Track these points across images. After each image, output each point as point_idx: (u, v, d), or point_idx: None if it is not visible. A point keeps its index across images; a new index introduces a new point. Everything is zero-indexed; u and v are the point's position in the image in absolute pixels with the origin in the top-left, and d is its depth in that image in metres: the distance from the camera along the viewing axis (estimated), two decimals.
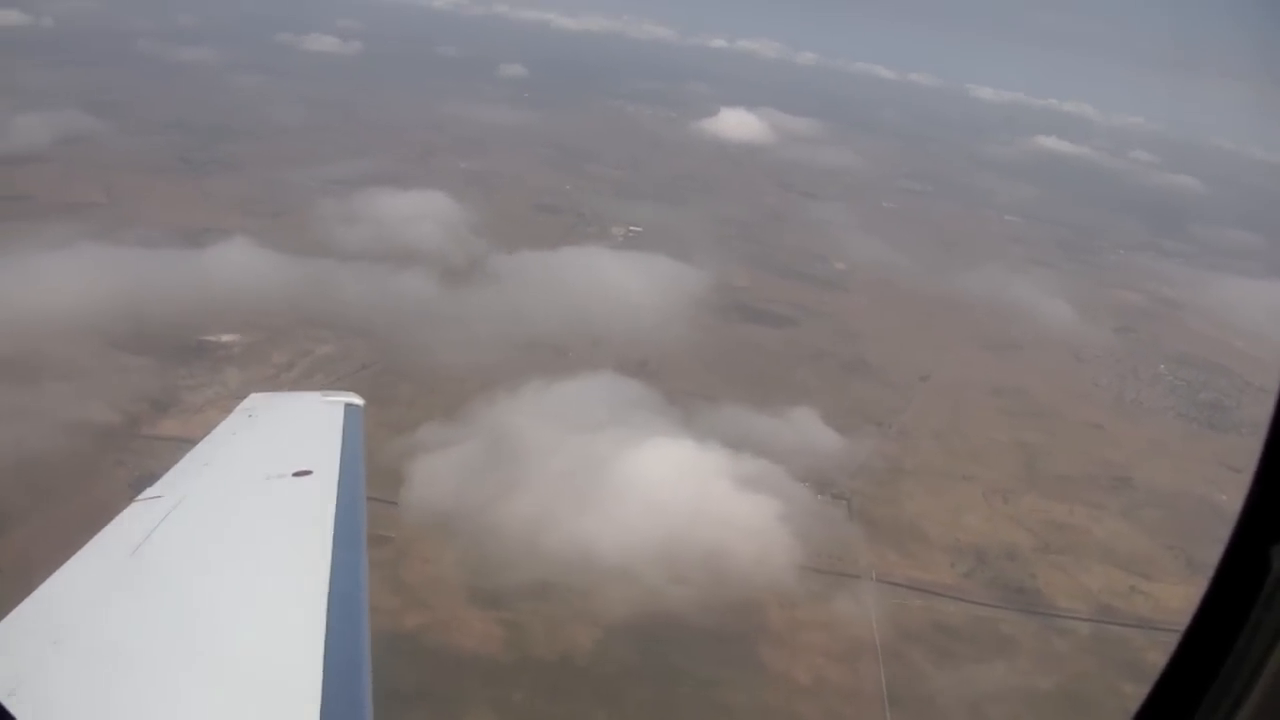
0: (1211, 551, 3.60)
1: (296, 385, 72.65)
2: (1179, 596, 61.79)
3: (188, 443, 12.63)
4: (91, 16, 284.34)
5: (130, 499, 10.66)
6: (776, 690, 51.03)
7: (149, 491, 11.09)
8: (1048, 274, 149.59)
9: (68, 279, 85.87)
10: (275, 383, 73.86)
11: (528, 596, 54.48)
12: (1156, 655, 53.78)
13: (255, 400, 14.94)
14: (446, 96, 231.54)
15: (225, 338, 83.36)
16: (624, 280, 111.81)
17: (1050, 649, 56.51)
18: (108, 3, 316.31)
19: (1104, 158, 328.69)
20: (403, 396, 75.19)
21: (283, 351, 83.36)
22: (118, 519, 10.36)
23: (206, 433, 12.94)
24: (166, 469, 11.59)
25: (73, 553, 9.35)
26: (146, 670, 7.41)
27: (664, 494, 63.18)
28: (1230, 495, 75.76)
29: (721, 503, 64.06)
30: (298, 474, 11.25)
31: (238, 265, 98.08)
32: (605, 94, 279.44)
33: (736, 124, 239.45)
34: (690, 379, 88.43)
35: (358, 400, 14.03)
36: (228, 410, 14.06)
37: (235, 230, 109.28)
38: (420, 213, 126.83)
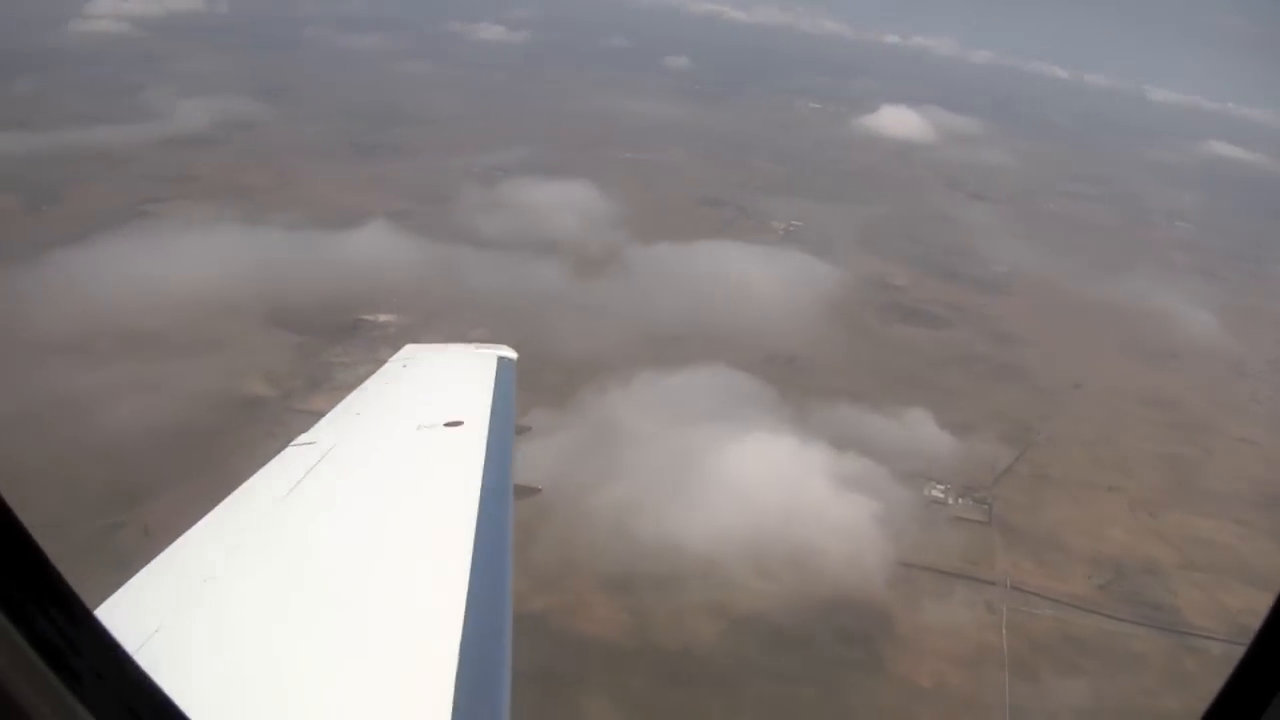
0: None
1: None
2: None
3: None
4: (265, 3, 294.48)
5: None
6: (896, 693, 51.73)
7: (302, 438, 11.50)
8: (1214, 284, 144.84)
9: (231, 258, 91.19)
10: None
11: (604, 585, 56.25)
12: None
13: (409, 351, 15.49)
14: (612, 87, 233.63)
15: (382, 318, 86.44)
16: (772, 275, 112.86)
17: (1180, 667, 55.83)
18: None
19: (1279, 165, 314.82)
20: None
21: (435, 334, 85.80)
22: (270, 464, 10.78)
23: None
24: None
25: None
26: (286, 614, 7.60)
27: (805, 492, 65.03)
28: None
29: (849, 505, 65.23)
30: (449, 424, 11.44)
31: (397, 248, 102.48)
32: (771, 88, 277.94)
33: (897, 121, 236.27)
34: (838, 377, 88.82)
35: (511, 353, 14.36)
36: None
37: (397, 214, 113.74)
38: (580, 203, 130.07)
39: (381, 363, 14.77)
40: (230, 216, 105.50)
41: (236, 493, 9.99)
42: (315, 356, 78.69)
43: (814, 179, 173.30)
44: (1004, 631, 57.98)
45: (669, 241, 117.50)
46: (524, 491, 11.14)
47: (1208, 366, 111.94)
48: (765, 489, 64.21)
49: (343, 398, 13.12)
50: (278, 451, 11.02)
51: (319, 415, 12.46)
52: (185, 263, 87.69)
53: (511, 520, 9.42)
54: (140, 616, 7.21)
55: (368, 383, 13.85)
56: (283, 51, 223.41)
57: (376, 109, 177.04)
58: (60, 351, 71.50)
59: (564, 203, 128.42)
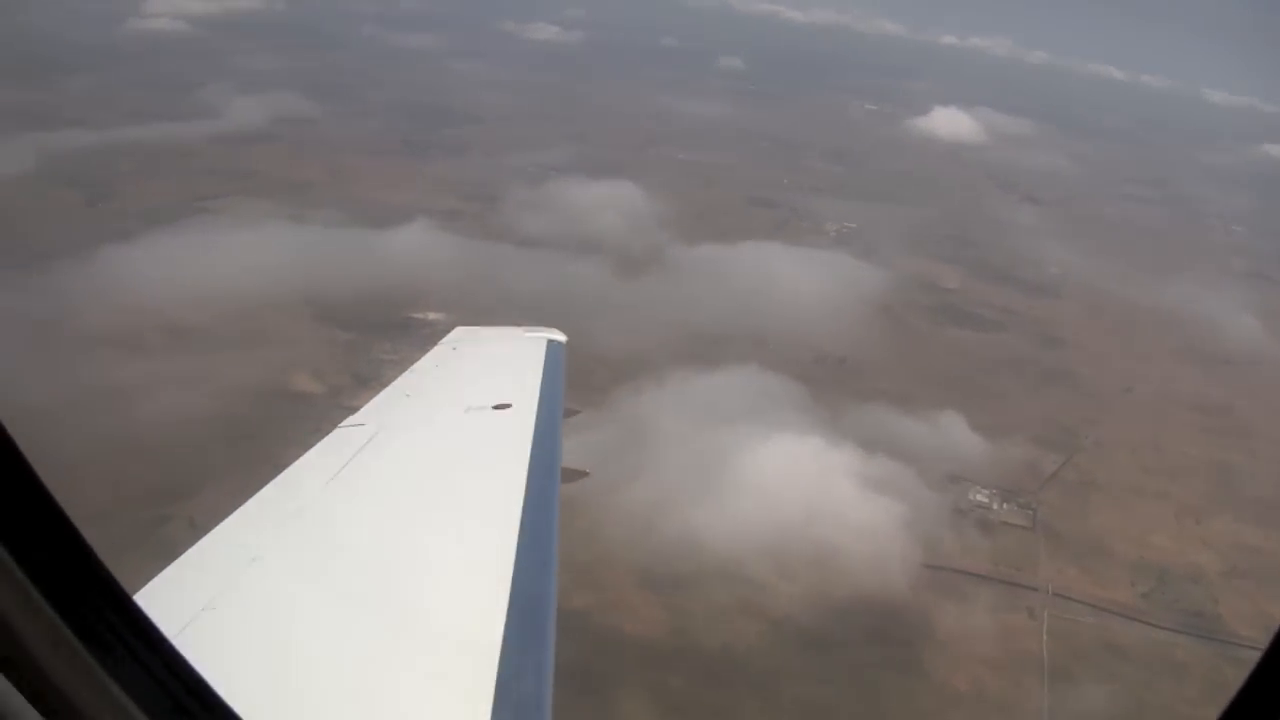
0: None
1: None
2: None
3: None
4: (323, 2, 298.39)
5: None
6: (933, 696, 52.29)
7: (351, 419, 11.56)
8: (1269, 288, 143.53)
9: (282, 254, 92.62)
10: None
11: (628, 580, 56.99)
12: None
13: (459, 333, 15.51)
14: (665, 87, 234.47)
15: (431, 315, 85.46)
16: (823, 277, 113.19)
17: (1221, 677, 55.51)
18: None
19: None
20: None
21: None
22: (320, 445, 10.85)
23: None
24: None
25: None
26: (331, 595, 7.65)
27: (848, 495, 65.79)
28: None
29: (889, 509, 65.76)
30: (497, 406, 11.52)
31: (447, 246, 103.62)
32: (825, 89, 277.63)
33: (949, 122, 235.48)
34: (887, 379, 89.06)
35: (560, 336, 14.37)
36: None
37: (448, 212, 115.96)
38: (630, 202, 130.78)
39: None
40: (283, 213, 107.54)
41: (286, 473, 10.17)
42: (364, 353, 79.28)
43: (867, 180, 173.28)
44: (1044, 637, 58.27)
45: (720, 243, 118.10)
46: (572, 475, 10.86)
47: (1261, 372, 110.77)
48: (814, 492, 64.97)
49: None
50: None
51: None
52: (237, 259, 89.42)
53: (558, 503, 9.50)
54: (188, 594, 7.42)
55: (418, 364, 14.01)
56: (339, 49, 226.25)
57: (430, 107, 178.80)
58: (110, 345, 72.99)
59: (614, 202, 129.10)
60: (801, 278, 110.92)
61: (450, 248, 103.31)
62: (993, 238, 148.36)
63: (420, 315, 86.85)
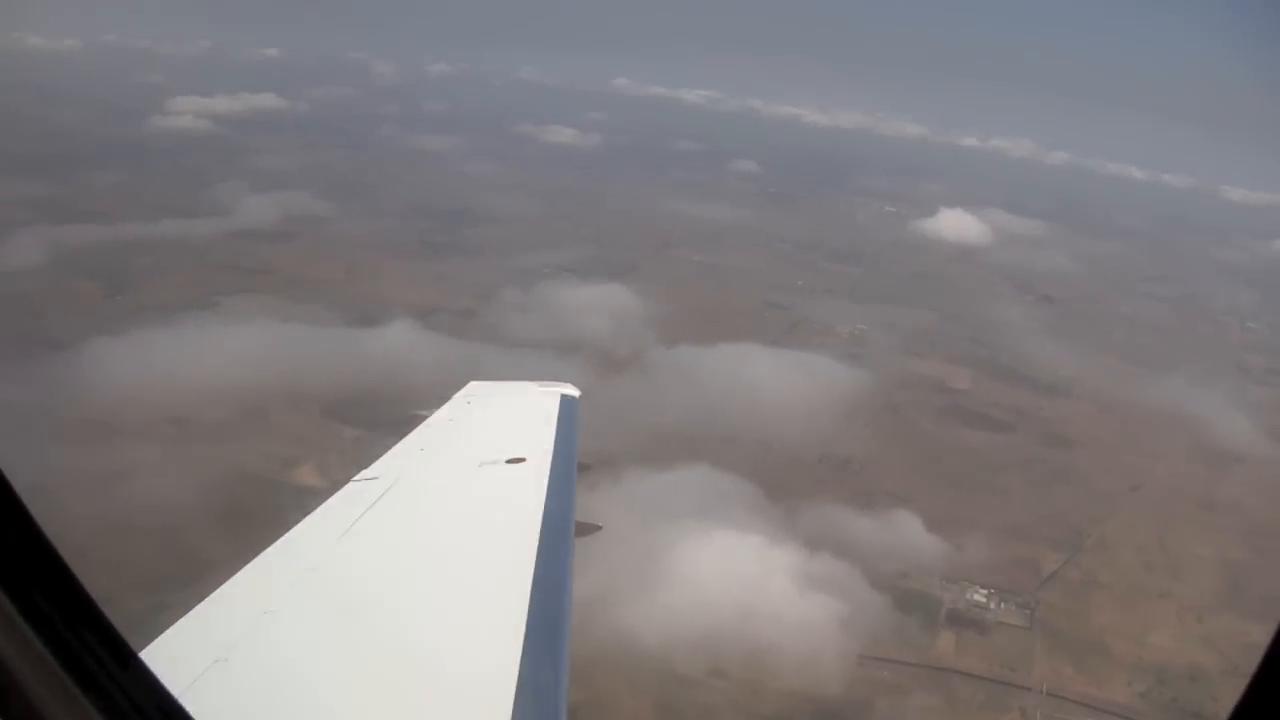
0: None
1: None
2: None
3: None
4: (346, 103, 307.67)
5: None
6: None
7: (365, 473, 11.66)
8: None
9: (294, 349, 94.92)
10: None
11: None
12: None
13: (474, 388, 15.65)
14: (684, 189, 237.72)
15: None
16: (831, 378, 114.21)
17: None
18: (363, 90, 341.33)
19: None
20: None
21: None
22: (333, 498, 10.93)
23: None
24: None
25: None
26: (345, 649, 7.54)
27: (857, 599, 66.24)
28: None
29: (882, 609, 66.19)
30: (511, 461, 11.49)
31: (456, 344, 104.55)
32: (841, 190, 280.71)
33: (962, 224, 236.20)
34: (889, 480, 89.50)
35: (574, 391, 14.50)
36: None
37: (461, 311, 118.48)
38: (639, 306, 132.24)
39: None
40: (297, 310, 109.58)
41: (299, 526, 10.17)
42: (367, 449, 79.88)
43: (882, 282, 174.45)
44: None
45: (730, 344, 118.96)
46: (586, 528, 10.75)
47: (1274, 471, 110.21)
48: (807, 598, 65.36)
49: None
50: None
51: None
52: (247, 353, 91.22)
53: (572, 558, 9.46)
54: (199, 647, 7.40)
55: (432, 418, 14.25)
56: (359, 149, 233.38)
57: (451, 208, 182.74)
58: (117, 434, 74.60)
59: (625, 305, 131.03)
60: (810, 380, 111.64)
61: (459, 347, 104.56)
62: (1004, 338, 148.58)
63: (426, 413, 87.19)
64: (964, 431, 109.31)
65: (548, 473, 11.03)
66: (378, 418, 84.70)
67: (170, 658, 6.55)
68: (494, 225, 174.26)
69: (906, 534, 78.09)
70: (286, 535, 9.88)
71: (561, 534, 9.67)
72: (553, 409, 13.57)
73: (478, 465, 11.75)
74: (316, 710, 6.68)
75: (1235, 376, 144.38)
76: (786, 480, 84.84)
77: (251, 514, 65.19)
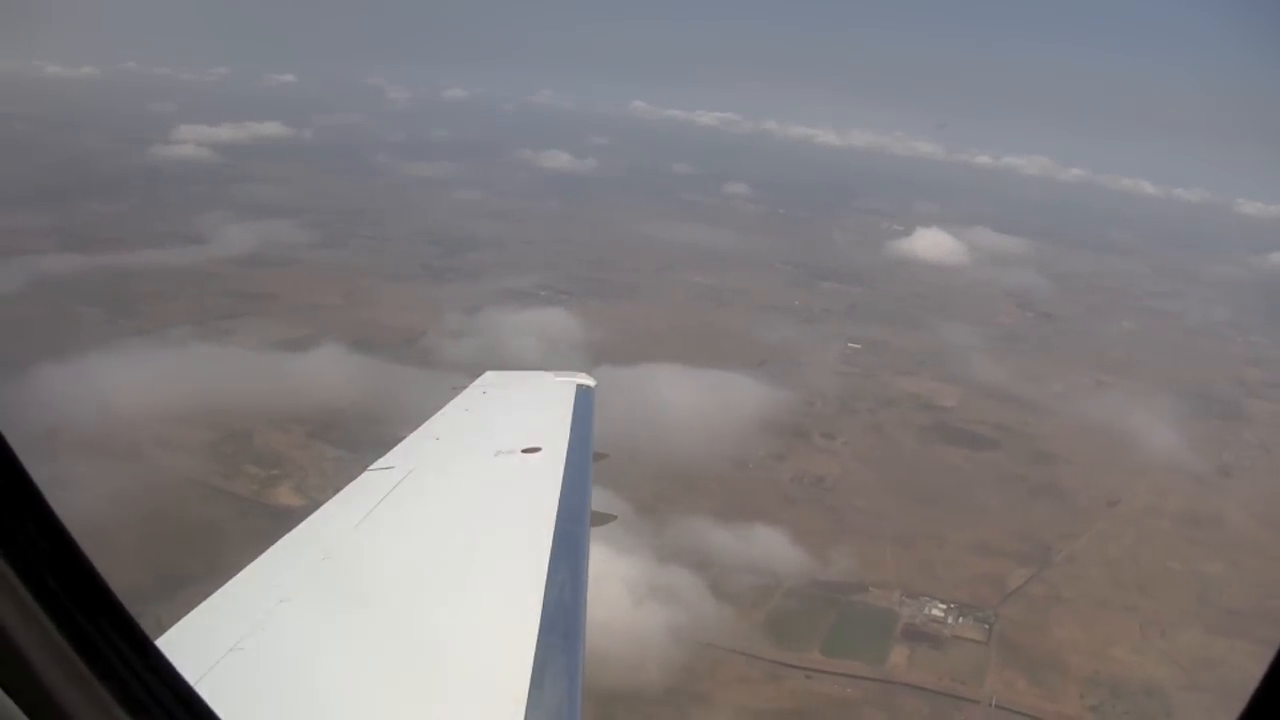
0: None
1: None
2: None
3: None
4: (352, 131, 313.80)
5: None
6: None
7: (381, 462, 11.77)
8: None
9: (285, 373, 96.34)
10: None
11: None
12: None
13: (489, 377, 15.58)
14: (657, 214, 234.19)
15: None
16: (815, 396, 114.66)
17: None
18: (373, 116, 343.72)
19: None
20: None
21: None
22: (348, 488, 11.06)
23: None
24: None
25: None
26: (360, 637, 7.55)
27: None
28: None
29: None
30: (526, 450, 11.52)
31: (445, 366, 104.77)
32: (843, 210, 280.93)
33: (931, 244, 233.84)
34: (860, 499, 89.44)
35: (590, 381, 14.43)
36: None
37: (453, 334, 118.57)
38: (640, 325, 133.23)
39: None
40: (294, 333, 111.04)
41: (315, 515, 10.27)
42: (351, 469, 79.92)
43: (880, 301, 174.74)
44: None
45: (720, 369, 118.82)
46: (601, 518, 10.69)
47: (1263, 484, 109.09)
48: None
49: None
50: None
51: None
52: (240, 376, 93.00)
53: (588, 548, 9.41)
54: (216, 635, 7.46)
55: (447, 408, 14.08)
56: (362, 176, 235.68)
57: (449, 233, 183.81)
58: (104, 453, 74.46)
59: (625, 324, 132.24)
60: (791, 397, 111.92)
61: (449, 369, 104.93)
62: (999, 356, 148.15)
63: (409, 433, 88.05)
64: (944, 449, 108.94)
65: (564, 462, 11.12)
66: (364, 439, 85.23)
67: (187, 646, 6.77)
68: (486, 251, 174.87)
69: (871, 552, 78.24)
70: (303, 523, 10.01)
71: (577, 524, 9.72)
72: (569, 398, 13.68)
73: (493, 454, 11.85)
74: (331, 699, 6.78)
75: (1233, 389, 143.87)
76: (755, 499, 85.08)
77: (225, 532, 66.01)
